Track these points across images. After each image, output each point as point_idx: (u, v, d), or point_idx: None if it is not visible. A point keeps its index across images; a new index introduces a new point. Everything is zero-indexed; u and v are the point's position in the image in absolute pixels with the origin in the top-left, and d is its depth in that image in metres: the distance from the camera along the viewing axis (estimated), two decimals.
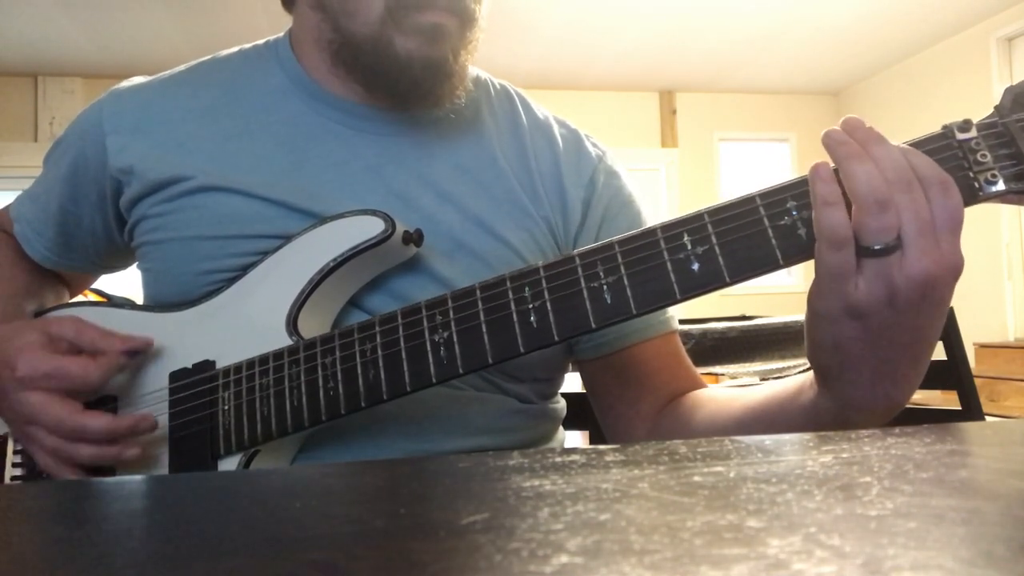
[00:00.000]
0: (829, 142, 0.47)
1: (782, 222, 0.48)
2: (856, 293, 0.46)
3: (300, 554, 0.20)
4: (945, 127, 0.49)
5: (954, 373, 1.02)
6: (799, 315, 1.39)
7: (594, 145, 0.78)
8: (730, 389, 0.69)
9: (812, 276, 0.48)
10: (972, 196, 0.47)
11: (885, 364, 0.49)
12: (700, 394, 0.70)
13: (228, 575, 0.19)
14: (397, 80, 0.65)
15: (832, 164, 0.48)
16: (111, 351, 0.61)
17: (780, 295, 4.98)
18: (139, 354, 0.64)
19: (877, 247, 0.45)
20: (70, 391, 0.61)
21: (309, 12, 0.69)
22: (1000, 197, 0.47)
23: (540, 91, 4.67)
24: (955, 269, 0.46)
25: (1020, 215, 4.28)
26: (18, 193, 0.82)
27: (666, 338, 0.73)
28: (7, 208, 0.81)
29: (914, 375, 0.50)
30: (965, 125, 0.48)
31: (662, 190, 5.43)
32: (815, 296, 0.48)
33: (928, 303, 0.46)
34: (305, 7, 0.70)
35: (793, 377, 0.58)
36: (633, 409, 0.72)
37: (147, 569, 0.20)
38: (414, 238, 0.63)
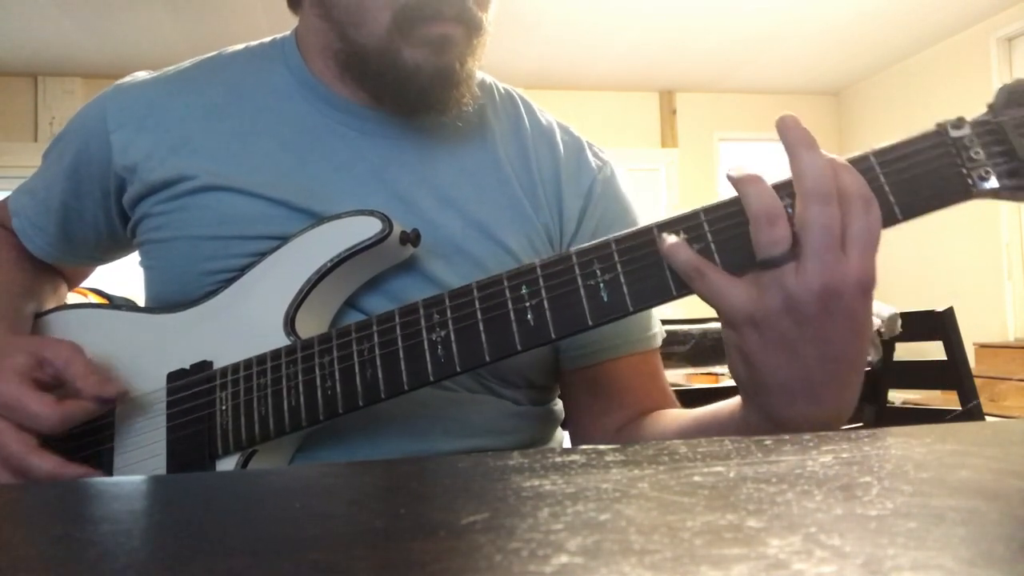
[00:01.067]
0: (731, 173, 0.49)
1: (789, 210, 0.48)
2: (749, 302, 0.47)
3: (300, 554, 0.20)
4: (939, 125, 0.49)
5: (954, 373, 1.03)
6: None
7: (595, 155, 0.77)
8: (684, 409, 0.69)
9: None
10: (965, 193, 0.48)
11: (798, 381, 0.49)
12: (661, 412, 0.70)
13: (228, 575, 0.19)
14: (406, 90, 0.65)
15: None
16: (85, 396, 0.60)
17: None
18: (112, 401, 0.62)
19: (769, 258, 0.46)
20: (27, 427, 0.59)
21: (316, 21, 0.69)
22: (993, 194, 0.48)
23: (540, 91, 4.67)
24: (862, 284, 0.46)
25: (1020, 215, 4.28)
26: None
27: (645, 356, 0.72)
28: (4, 202, 0.80)
29: (836, 396, 0.49)
30: (959, 123, 0.48)
31: (662, 190, 5.43)
32: (716, 310, 0.50)
33: (832, 317, 0.46)
34: (312, 16, 0.70)
35: (734, 398, 0.58)
36: (597, 422, 0.72)
37: (147, 569, 0.20)
38: (411, 238, 0.63)
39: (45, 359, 0.61)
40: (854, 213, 0.46)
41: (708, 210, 0.50)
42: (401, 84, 0.64)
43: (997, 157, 0.47)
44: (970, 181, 0.47)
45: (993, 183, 0.47)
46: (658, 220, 0.52)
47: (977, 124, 0.48)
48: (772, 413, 0.51)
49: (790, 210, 0.48)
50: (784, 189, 0.48)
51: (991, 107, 0.49)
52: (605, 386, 0.72)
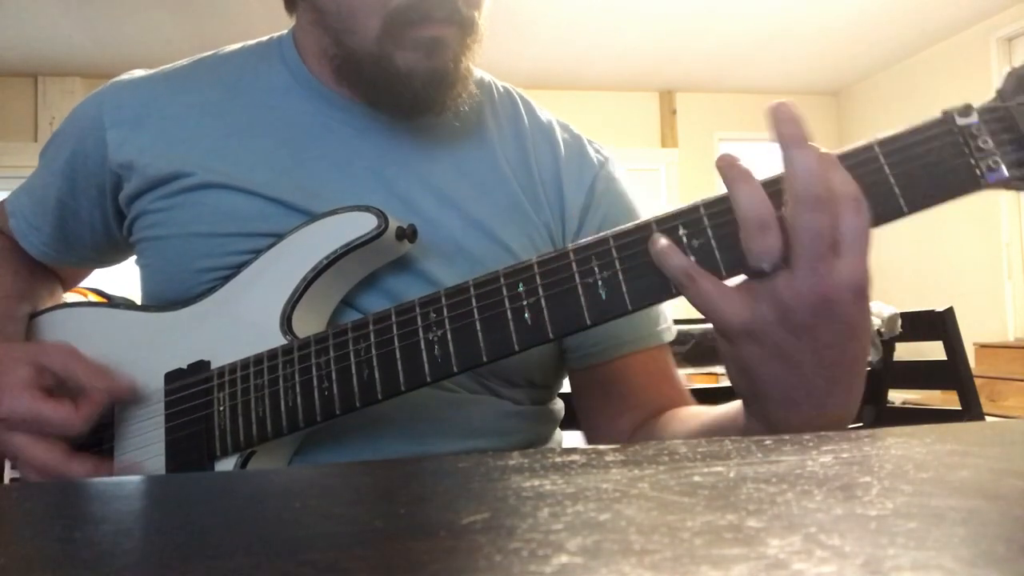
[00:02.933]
0: (721, 164, 0.47)
1: (779, 213, 0.48)
2: (743, 313, 0.46)
3: (300, 554, 0.20)
4: (945, 112, 0.47)
5: (954, 373, 1.03)
6: None
7: (596, 151, 0.77)
8: (698, 407, 0.69)
9: None
10: (974, 184, 0.46)
11: (796, 390, 0.47)
12: (675, 411, 0.69)
13: (228, 575, 0.19)
14: (400, 93, 0.65)
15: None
16: (95, 394, 0.60)
17: None
18: (123, 394, 0.63)
19: (762, 267, 0.45)
20: (53, 435, 0.60)
21: (311, 26, 0.69)
22: (1003, 184, 0.46)
23: (540, 91, 4.66)
24: (856, 289, 0.44)
25: (1020, 215, 4.28)
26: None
27: (655, 352, 0.72)
28: (2, 203, 0.80)
29: (838, 400, 0.48)
30: (966, 110, 0.47)
31: (662, 190, 5.43)
32: (709, 320, 0.48)
33: (827, 324, 0.45)
34: (307, 22, 0.70)
35: (735, 403, 0.57)
36: (613, 423, 0.72)
37: (147, 569, 0.20)
38: (408, 234, 0.62)
39: (43, 366, 0.61)
40: (845, 215, 0.44)
41: (708, 204, 0.49)
42: (395, 88, 0.64)
43: (1006, 145, 0.45)
44: (978, 172, 0.45)
45: (1003, 173, 0.45)
46: (656, 215, 0.52)
47: (985, 111, 0.46)
48: (773, 421, 0.50)
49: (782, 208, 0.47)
50: (775, 185, 0.47)
51: (1000, 93, 0.47)
52: (616, 385, 0.71)
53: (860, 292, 0.45)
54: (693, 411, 0.67)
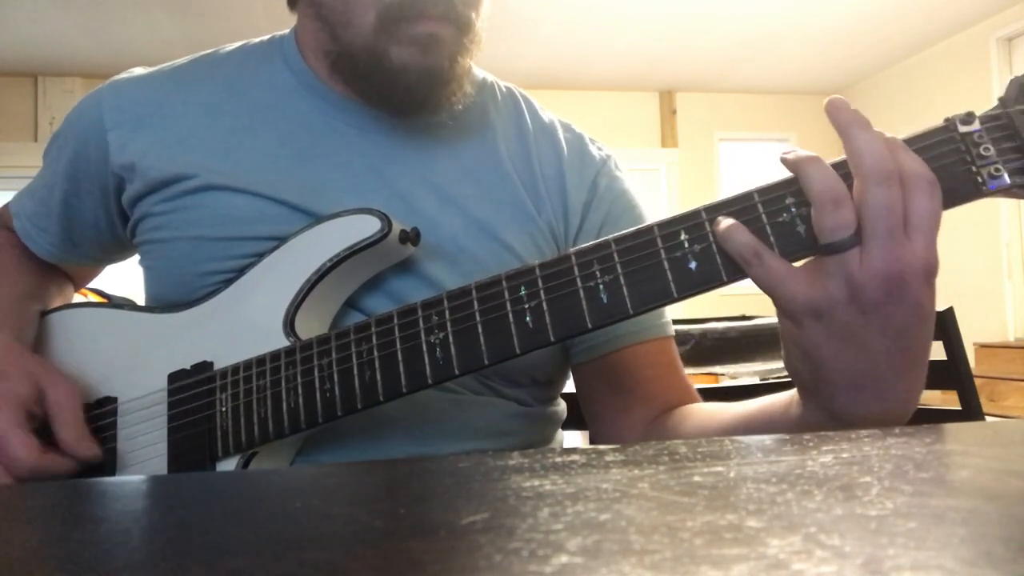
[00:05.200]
0: (786, 154, 0.47)
1: (780, 219, 0.48)
2: (811, 291, 0.45)
3: (300, 554, 0.20)
4: (947, 120, 0.47)
5: (954, 373, 1.02)
6: None
7: (598, 149, 0.77)
8: (718, 403, 0.67)
9: None
10: (975, 191, 0.46)
11: (863, 375, 0.46)
12: (692, 406, 0.68)
13: (228, 575, 0.19)
14: (393, 89, 0.64)
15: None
16: (64, 448, 0.60)
17: None
18: (89, 460, 0.61)
19: (832, 243, 0.44)
20: (3, 463, 0.59)
21: (309, 21, 0.69)
22: (1005, 192, 0.46)
23: (540, 91, 4.66)
24: (927, 270, 0.44)
25: (1020, 215, 4.28)
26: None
27: (660, 343, 0.71)
28: (7, 204, 0.80)
29: (903, 388, 0.47)
30: (968, 118, 0.47)
31: (662, 190, 5.43)
32: (773, 300, 0.48)
33: (896, 304, 0.44)
34: (305, 16, 0.70)
35: (783, 393, 0.56)
36: (624, 416, 0.71)
37: (147, 569, 0.20)
38: (411, 237, 0.62)
39: (44, 394, 0.61)
40: (917, 195, 0.44)
41: (709, 209, 0.49)
42: (388, 84, 0.64)
43: (1008, 153, 0.45)
44: (980, 179, 0.45)
45: (1005, 181, 0.45)
46: (658, 220, 0.52)
47: (987, 119, 0.47)
48: (836, 410, 0.48)
49: (793, 210, 0.47)
50: (840, 169, 0.46)
51: (1002, 100, 0.47)
52: (623, 377, 0.70)
53: (930, 274, 0.44)
54: (717, 406, 0.66)
